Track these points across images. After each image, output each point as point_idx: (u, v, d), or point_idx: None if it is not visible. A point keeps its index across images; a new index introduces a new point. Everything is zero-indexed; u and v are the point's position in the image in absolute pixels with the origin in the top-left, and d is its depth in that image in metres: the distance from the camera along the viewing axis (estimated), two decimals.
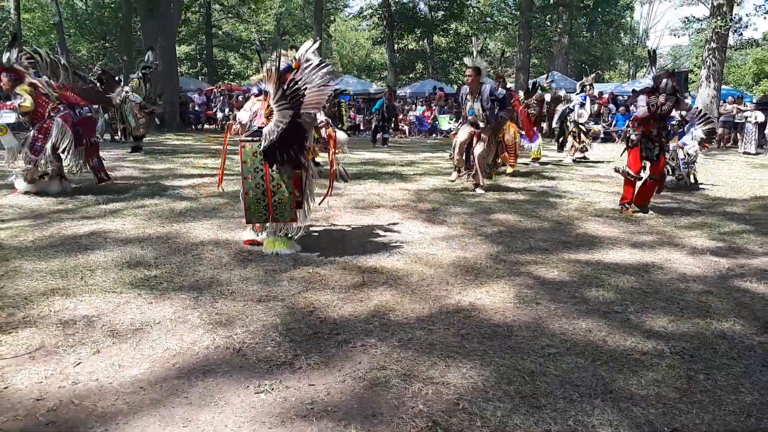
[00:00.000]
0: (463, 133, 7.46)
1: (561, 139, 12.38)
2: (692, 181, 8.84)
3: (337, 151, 4.75)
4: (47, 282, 3.58)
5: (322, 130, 4.67)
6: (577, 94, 11.93)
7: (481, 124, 7.30)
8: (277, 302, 3.39)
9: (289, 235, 4.51)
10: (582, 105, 11.58)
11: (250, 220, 4.45)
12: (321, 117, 4.61)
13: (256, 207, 4.34)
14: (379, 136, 16.33)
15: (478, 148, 7.41)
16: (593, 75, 13.17)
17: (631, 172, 6.34)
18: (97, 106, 12.66)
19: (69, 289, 3.46)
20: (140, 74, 11.15)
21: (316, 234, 5.11)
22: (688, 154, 8.58)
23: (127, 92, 10.69)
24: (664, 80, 6.11)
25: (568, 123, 11.73)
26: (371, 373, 2.56)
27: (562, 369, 2.65)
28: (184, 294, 3.46)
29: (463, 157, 7.68)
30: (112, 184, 7.06)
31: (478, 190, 7.51)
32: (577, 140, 11.71)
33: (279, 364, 2.62)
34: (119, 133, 11.91)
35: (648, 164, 6.36)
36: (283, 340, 2.88)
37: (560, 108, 11.92)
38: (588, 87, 11.90)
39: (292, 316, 3.18)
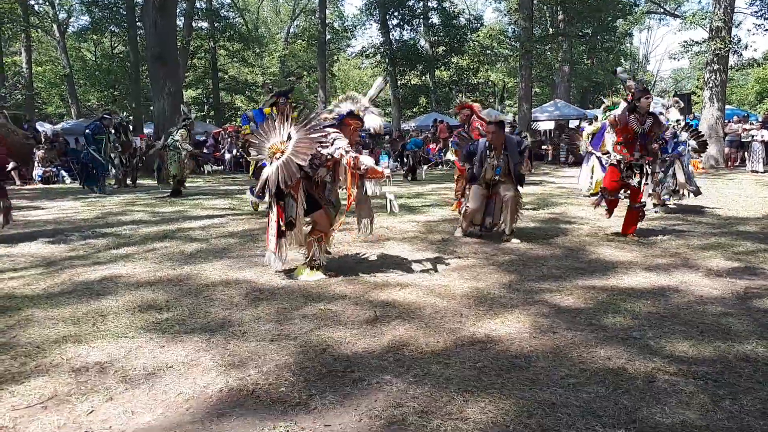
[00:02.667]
0: (476, 200, 6.27)
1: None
2: (691, 195, 8.66)
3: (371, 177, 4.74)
4: (59, 329, 3.57)
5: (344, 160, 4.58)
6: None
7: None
8: (289, 341, 3.36)
9: (307, 264, 4.84)
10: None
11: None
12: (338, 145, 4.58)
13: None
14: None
15: (509, 194, 6.20)
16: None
17: (607, 190, 6.31)
18: (116, 153, 13.09)
19: (81, 336, 3.44)
20: (183, 125, 11.78)
21: (326, 269, 5.09)
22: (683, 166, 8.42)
23: (176, 140, 11.30)
24: (642, 99, 5.99)
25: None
26: (388, 410, 2.51)
27: (583, 399, 2.58)
28: (197, 336, 3.44)
29: (477, 223, 6.50)
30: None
31: (514, 240, 6.26)
32: None
33: (293, 405, 2.57)
34: (158, 178, 12.40)
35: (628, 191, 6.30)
36: (297, 379, 2.83)
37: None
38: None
39: (305, 355, 3.14)
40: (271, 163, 4.51)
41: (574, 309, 3.91)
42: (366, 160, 4.65)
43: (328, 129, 4.62)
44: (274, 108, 8.55)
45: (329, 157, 4.61)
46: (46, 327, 3.62)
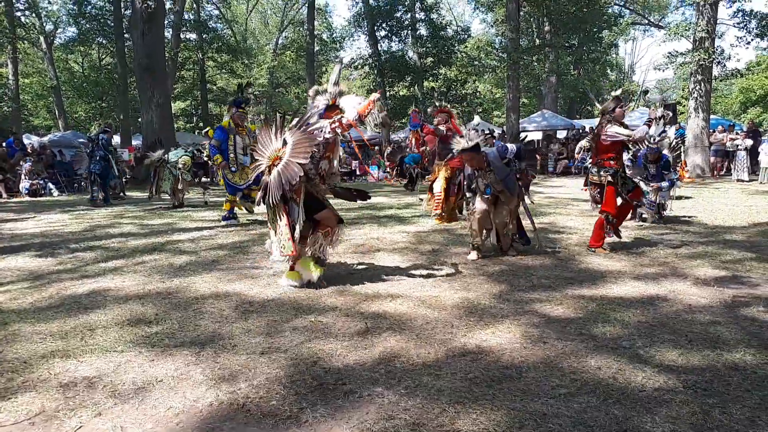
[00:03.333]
0: (481, 204, 5.97)
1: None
2: (665, 212, 8.51)
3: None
4: (47, 344, 3.53)
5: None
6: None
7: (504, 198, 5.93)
8: (280, 354, 3.34)
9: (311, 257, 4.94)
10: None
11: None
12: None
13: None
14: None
15: (497, 220, 6.06)
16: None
17: (611, 214, 6.10)
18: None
19: (69, 351, 3.41)
20: (190, 152, 12.31)
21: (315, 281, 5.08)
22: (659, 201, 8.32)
23: (179, 168, 11.51)
24: (617, 109, 5.90)
25: None
26: (379, 423, 2.50)
27: (574, 409, 2.59)
28: (186, 350, 3.41)
29: (484, 232, 6.19)
30: None
31: (510, 253, 6.13)
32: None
33: (284, 419, 2.56)
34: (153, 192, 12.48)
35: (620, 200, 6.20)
36: (288, 392, 2.82)
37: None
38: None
39: (296, 368, 3.13)
40: (270, 172, 4.55)
41: (564, 319, 3.93)
42: (349, 114, 4.70)
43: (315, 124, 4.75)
44: (231, 120, 8.63)
45: (326, 144, 4.71)
46: (34, 342, 3.58)
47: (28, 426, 2.51)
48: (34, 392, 2.85)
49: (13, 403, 2.73)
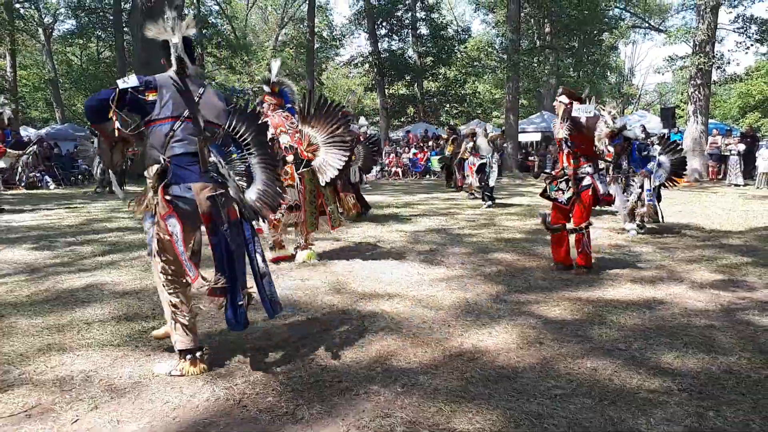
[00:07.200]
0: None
1: None
2: (659, 216, 7.56)
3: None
4: (43, 338, 3.53)
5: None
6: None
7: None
8: (277, 350, 3.34)
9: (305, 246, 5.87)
10: None
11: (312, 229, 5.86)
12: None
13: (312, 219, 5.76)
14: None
15: None
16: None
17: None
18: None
19: (65, 345, 3.41)
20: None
21: (313, 279, 5.08)
22: (652, 187, 7.43)
23: None
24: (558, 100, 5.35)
25: None
26: (375, 421, 2.50)
27: (569, 410, 2.60)
28: None
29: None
30: None
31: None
32: None
33: (281, 415, 2.56)
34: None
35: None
36: (284, 389, 2.82)
37: None
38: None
39: (293, 365, 3.13)
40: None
41: (561, 320, 3.94)
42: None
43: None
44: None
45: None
46: (30, 335, 3.58)
47: (24, 419, 2.51)
48: (30, 385, 2.85)
49: (9, 396, 2.73)
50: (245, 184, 3.14)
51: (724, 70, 19.88)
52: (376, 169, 20.33)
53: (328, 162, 5.51)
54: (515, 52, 22.47)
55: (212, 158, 2.97)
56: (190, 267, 2.89)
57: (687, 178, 16.31)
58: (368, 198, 12.79)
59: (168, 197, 2.91)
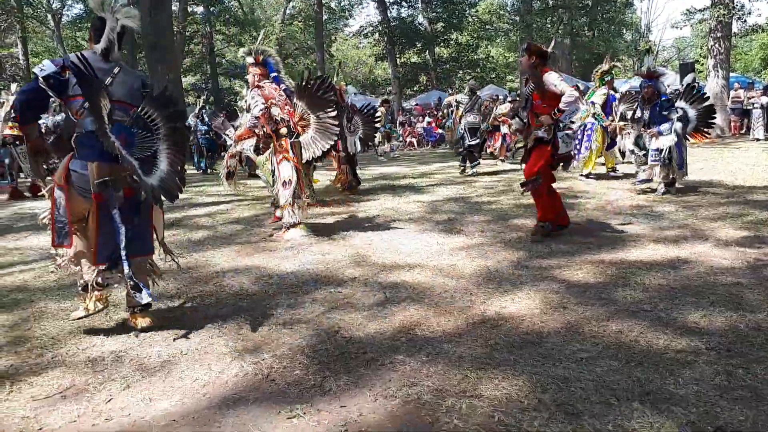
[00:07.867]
0: None
1: None
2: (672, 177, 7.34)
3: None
4: (73, 321, 3.60)
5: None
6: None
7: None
8: (301, 324, 3.38)
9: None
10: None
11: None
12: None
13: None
14: None
15: None
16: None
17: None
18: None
19: (95, 326, 3.47)
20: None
21: (333, 253, 5.10)
22: (660, 148, 7.13)
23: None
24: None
25: None
26: (402, 390, 2.52)
27: (596, 373, 2.59)
28: (209, 323, 3.46)
29: None
30: None
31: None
32: None
33: (308, 387, 2.59)
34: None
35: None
36: (311, 362, 2.85)
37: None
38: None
39: (318, 338, 3.16)
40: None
41: (584, 284, 3.91)
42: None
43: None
44: None
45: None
46: (60, 318, 3.65)
47: (60, 400, 2.58)
48: (63, 367, 2.92)
49: (44, 378, 2.80)
50: (150, 168, 3.25)
51: (745, 21, 19.25)
52: (394, 143, 19.88)
53: (313, 143, 5.87)
54: (528, 13, 22.00)
55: (113, 139, 3.05)
56: (61, 234, 3.24)
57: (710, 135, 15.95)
58: (382, 170, 12.76)
59: (68, 170, 3.18)
